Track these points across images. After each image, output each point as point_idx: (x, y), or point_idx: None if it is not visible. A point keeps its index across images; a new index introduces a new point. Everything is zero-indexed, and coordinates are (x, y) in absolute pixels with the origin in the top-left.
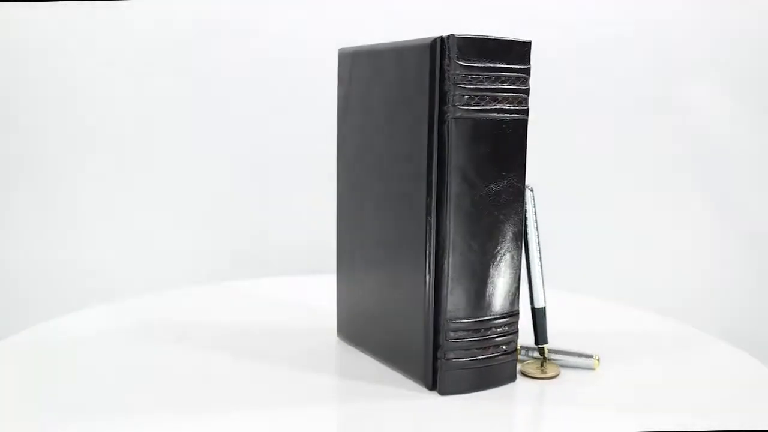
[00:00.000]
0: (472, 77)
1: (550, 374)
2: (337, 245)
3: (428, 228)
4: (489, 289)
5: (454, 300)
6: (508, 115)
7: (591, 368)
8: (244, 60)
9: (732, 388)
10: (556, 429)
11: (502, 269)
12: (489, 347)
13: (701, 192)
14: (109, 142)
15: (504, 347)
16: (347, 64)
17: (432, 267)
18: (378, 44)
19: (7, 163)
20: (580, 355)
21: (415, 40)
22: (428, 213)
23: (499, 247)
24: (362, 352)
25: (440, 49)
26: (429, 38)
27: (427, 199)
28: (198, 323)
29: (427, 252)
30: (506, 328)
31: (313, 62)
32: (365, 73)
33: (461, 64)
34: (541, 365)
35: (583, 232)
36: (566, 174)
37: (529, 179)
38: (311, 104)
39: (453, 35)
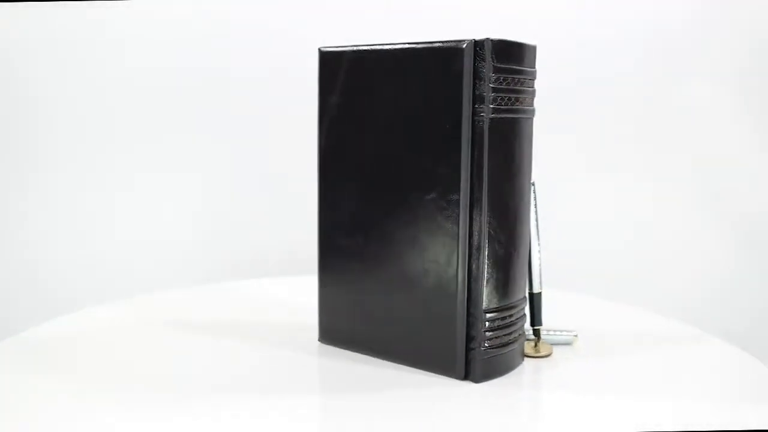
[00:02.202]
0: (502, 79)
1: (543, 353)
2: (319, 251)
3: (460, 225)
4: (512, 279)
5: (489, 292)
6: (524, 115)
7: (570, 343)
8: (243, 59)
9: (732, 388)
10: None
11: (521, 259)
12: (510, 333)
13: (701, 192)
14: (109, 142)
15: (519, 332)
16: (336, 65)
17: (465, 262)
18: (380, 44)
19: (8, 163)
20: (562, 332)
21: (441, 42)
22: (460, 210)
23: (519, 239)
24: (357, 352)
25: (474, 52)
26: (461, 41)
27: (461, 196)
28: (198, 322)
29: (460, 247)
30: (521, 313)
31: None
32: (371, 75)
33: (495, 66)
34: (535, 345)
35: (583, 232)
36: (565, 172)
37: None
38: (311, 103)
39: (489, 39)
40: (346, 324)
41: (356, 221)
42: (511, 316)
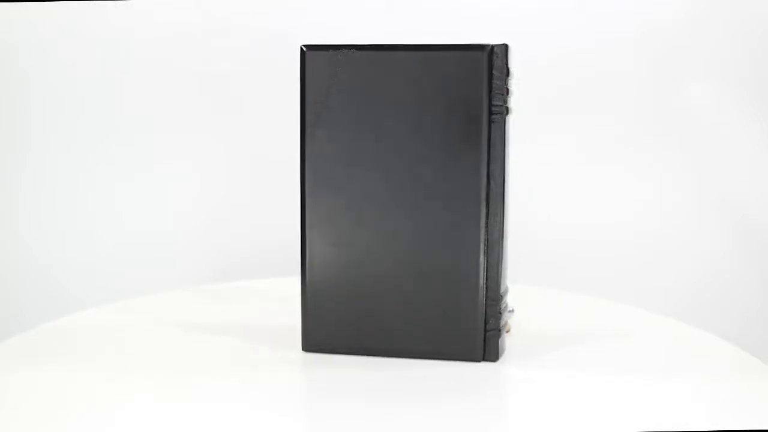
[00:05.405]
0: (508, 81)
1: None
2: (309, 253)
3: (481, 218)
4: (507, 261)
5: (501, 278)
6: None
7: (509, 318)
8: (243, 59)
9: (731, 387)
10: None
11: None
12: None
13: (700, 190)
14: (108, 142)
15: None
16: (328, 64)
17: (485, 252)
18: (383, 45)
19: (9, 162)
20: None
21: (461, 45)
22: (480, 204)
23: (507, 226)
24: (356, 355)
25: (491, 55)
26: (482, 45)
27: (481, 191)
28: (198, 323)
29: (481, 237)
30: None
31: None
32: (376, 75)
33: (507, 69)
34: None
35: (582, 232)
36: (565, 173)
37: (530, 173)
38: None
39: (505, 44)
40: (340, 328)
41: (354, 222)
42: (505, 297)
